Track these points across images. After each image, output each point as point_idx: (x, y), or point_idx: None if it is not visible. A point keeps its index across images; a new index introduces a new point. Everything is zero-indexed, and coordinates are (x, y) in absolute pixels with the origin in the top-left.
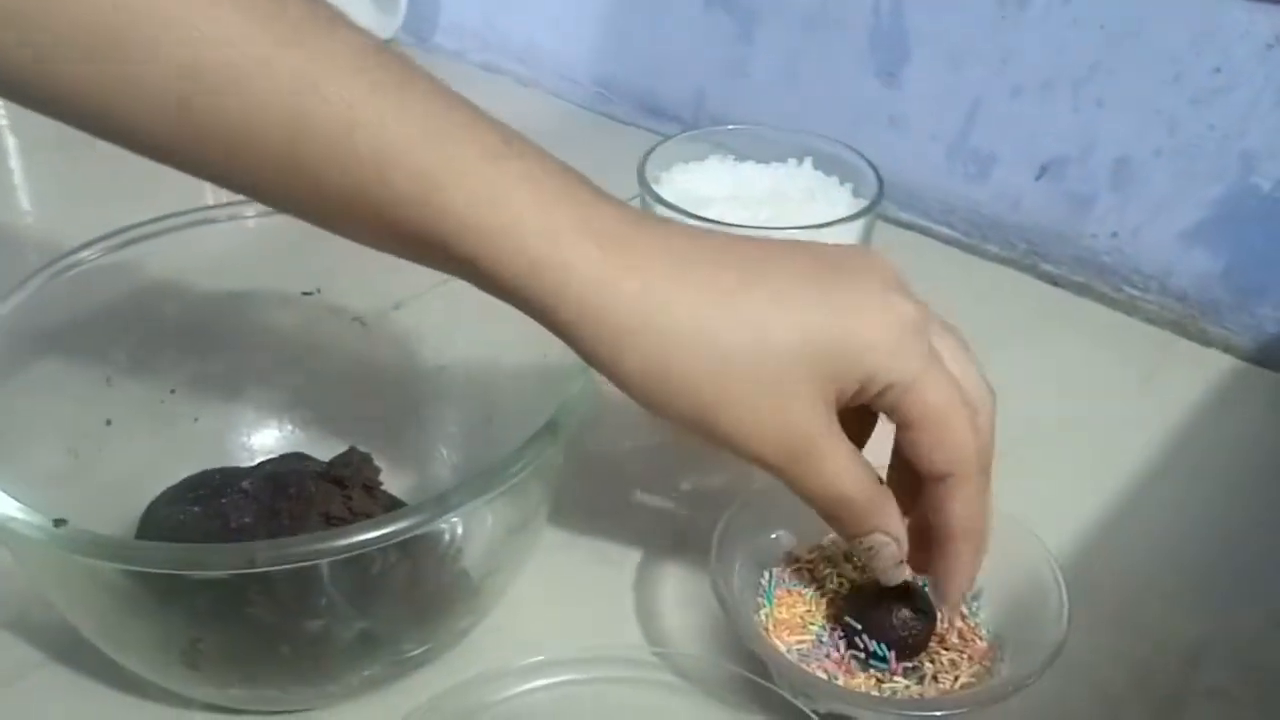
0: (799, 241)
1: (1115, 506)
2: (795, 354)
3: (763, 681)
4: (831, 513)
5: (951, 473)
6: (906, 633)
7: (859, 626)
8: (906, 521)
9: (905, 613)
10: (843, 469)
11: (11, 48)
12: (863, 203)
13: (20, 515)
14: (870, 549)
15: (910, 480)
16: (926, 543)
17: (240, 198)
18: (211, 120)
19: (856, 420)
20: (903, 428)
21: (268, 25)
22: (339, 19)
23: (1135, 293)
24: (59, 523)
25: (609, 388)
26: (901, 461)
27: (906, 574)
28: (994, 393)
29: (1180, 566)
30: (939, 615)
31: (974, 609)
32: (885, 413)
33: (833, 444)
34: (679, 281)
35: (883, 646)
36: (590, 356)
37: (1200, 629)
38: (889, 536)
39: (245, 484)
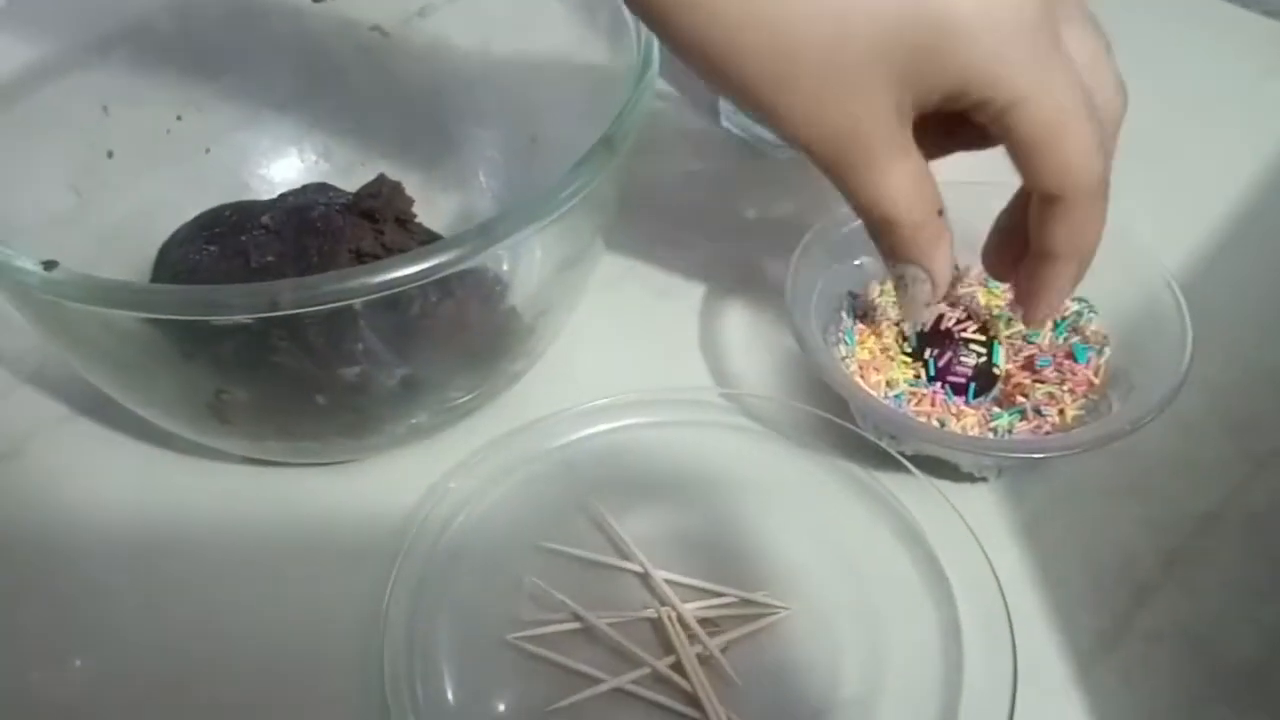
0: None
1: (1230, 219)
2: (874, 47)
3: (843, 423)
4: (873, 230)
5: (1063, 195)
6: (961, 367)
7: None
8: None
9: (959, 347)
10: (895, 186)
11: None
12: None
13: (9, 261)
14: (901, 279)
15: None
16: (1017, 252)
17: None
18: None
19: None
20: (1008, 143)
21: None
22: None
23: None
24: (49, 265)
25: (665, 100)
26: None
27: (931, 316)
28: (1127, 95)
29: None
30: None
31: (1074, 334)
32: (986, 126)
33: (891, 155)
34: None
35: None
36: (648, 11)
37: None
38: (926, 273)
39: (265, 219)
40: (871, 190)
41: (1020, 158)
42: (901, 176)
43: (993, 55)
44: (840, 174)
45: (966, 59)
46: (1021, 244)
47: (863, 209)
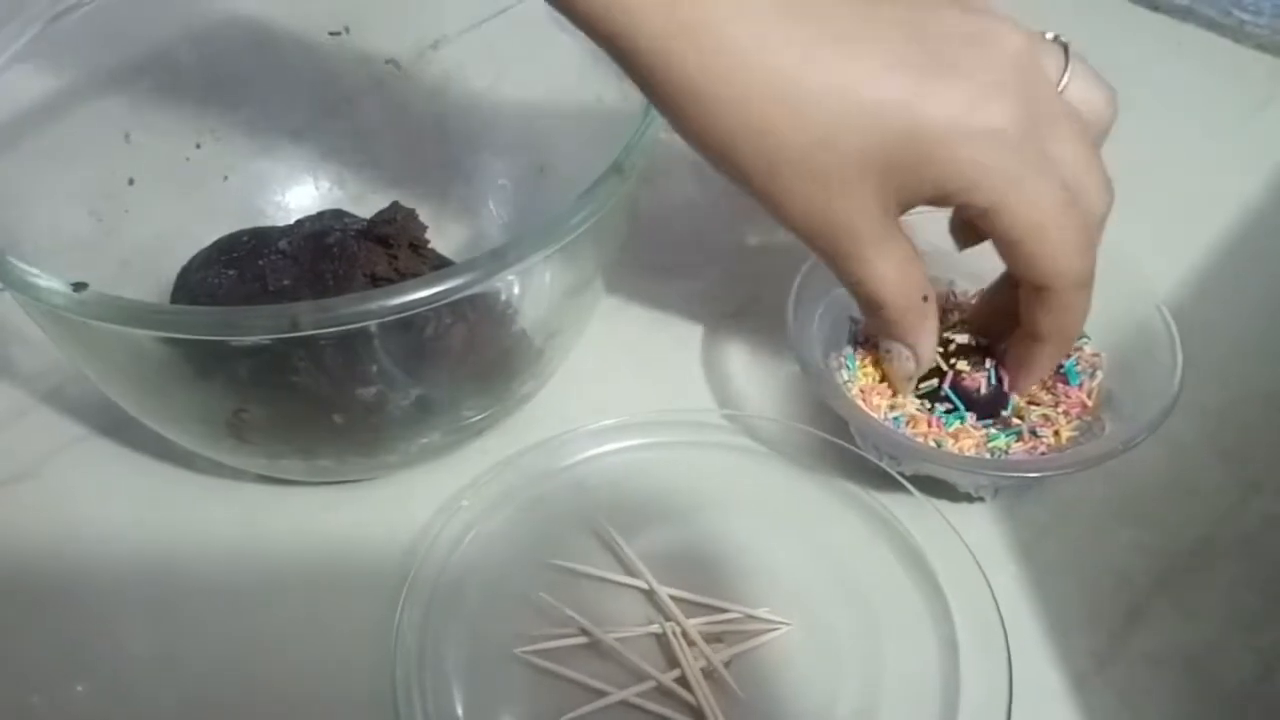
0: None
1: (1221, 247)
2: (858, 158)
3: (844, 444)
4: (863, 309)
5: (1048, 287)
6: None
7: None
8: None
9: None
10: (882, 274)
11: None
12: None
13: (39, 281)
14: (888, 354)
15: None
16: (1002, 325)
17: None
18: None
19: None
20: (994, 241)
21: None
22: None
23: (1246, 17)
24: (79, 286)
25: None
26: None
27: (911, 388)
28: (1113, 193)
29: None
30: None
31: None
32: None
33: (879, 247)
34: (760, 37)
35: (953, 393)
36: (659, 104)
37: None
38: (910, 352)
39: (283, 244)
40: (859, 277)
41: (1004, 254)
42: (887, 266)
43: (969, 166)
44: (830, 261)
45: (943, 170)
46: (1004, 319)
47: (853, 292)
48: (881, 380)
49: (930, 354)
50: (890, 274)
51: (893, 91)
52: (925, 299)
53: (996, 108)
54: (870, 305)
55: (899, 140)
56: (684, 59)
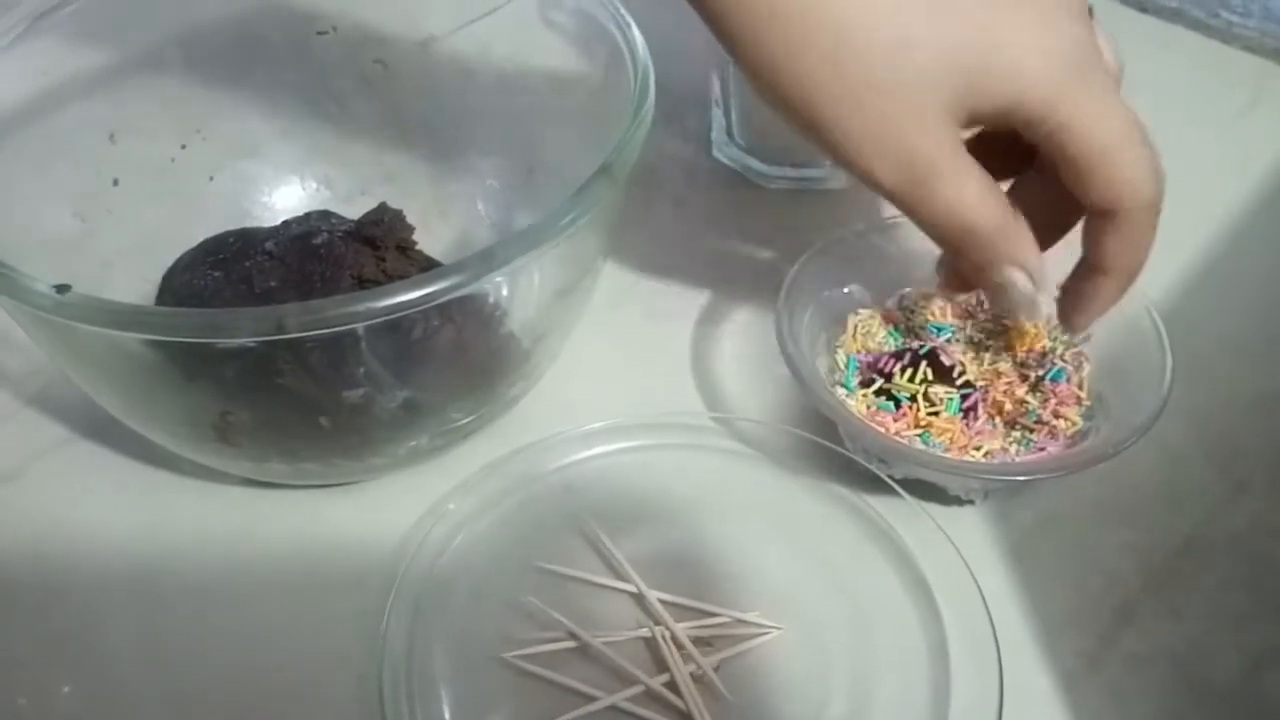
0: None
1: (1211, 249)
2: (934, 74)
3: (834, 447)
4: (955, 244)
5: (1118, 210)
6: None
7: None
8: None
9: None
10: (966, 194)
11: None
12: None
13: (21, 283)
14: (1000, 285)
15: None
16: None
17: None
18: None
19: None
20: (1059, 161)
21: None
22: None
23: (1234, 18)
24: (62, 288)
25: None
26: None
27: (1045, 311)
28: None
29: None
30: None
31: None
32: (1039, 145)
33: (955, 165)
34: None
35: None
36: (728, 36)
37: None
38: (1022, 271)
39: (269, 245)
40: (943, 205)
41: (1072, 174)
42: (972, 186)
43: (1043, 81)
44: (908, 197)
45: (1018, 84)
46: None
47: (938, 225)
48: (879, 393)
49: (1040, 265)
50: (977, 194)
51: (971, 8)
52: (1014, 210)
53: (1068, 28)
54: (963, 235)
55: (976, 54)
56: None
